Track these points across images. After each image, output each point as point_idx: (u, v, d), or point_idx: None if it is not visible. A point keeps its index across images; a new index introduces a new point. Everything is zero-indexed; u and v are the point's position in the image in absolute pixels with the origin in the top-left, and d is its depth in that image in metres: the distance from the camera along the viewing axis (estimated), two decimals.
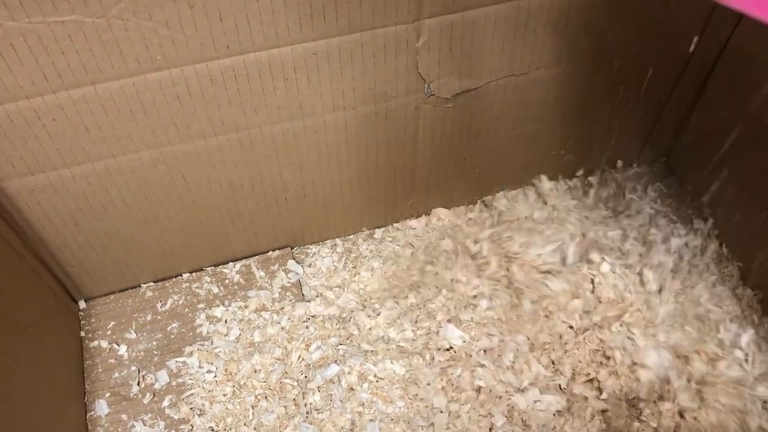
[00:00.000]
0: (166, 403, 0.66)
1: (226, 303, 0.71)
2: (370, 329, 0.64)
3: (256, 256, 0.75)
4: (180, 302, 0.72)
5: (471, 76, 0.60)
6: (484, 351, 0.60)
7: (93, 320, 0.71)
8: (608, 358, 0.59)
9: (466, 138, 0.67)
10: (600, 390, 0.58)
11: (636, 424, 0.58)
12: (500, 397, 0.57)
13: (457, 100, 0.62)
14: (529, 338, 0.60)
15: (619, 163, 0.81)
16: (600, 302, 0.63)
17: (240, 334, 0.69)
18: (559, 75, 0.64)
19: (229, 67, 0.53)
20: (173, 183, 0.61)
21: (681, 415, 0.57)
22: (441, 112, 0.63)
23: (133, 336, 0.70)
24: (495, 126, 0.67)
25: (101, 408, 0.66)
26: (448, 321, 0.62)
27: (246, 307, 0.71)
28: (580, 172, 0.79)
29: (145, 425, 0.64)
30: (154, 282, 0.73)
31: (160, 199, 0.63)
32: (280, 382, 0.64)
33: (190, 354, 0.68)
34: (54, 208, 0.60)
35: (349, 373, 0.61)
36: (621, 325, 0.61)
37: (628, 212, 0.76)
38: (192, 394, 0.65)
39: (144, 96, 0.53)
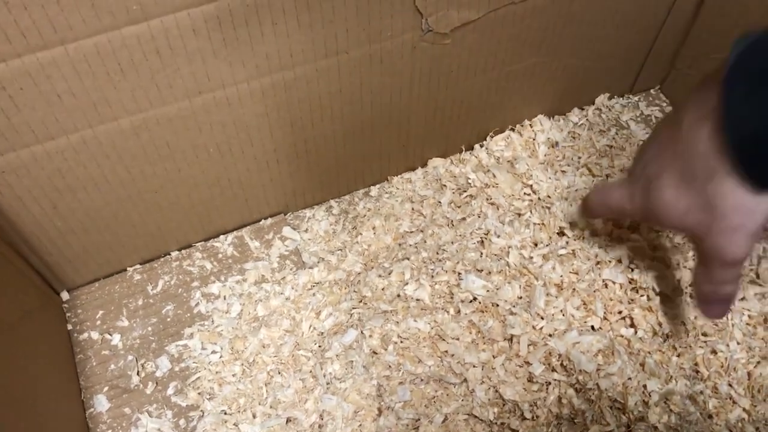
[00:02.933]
0: (171, 390, 0.61)
1: (222, 278, 0.67)
2: (383, 289, 0.60)
3: (249, 226, 0.70)
4: (172, 282, 0.67)
5: (470, 6, 0.56)
6: (512, 298, 0.57)
7: (79, 311, 0.65)
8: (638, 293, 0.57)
9: (463, 78, 0.63)
10: (635, 327, 0.56)
11: (675, 359, 0.55)
12: (536, 344, 0.54)
13: (455, 35, 0.58)
14: (554, 281, 0.57)
15: (615, 92, 0.78)
16: None
17: (242, 310, 0.64)
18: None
19: (213, 14, 0.48)
20: (157, 152, 0.56)
21: None
22: (438, 50, 0.59)
23: (126, 323, 0.65)
24: (493, 62, 0.63)
25: (101, 404, 0.61)
26: (467, 272, 0.58)
27: (244, 280, 0.66)
28: (575, 107, 0.76)
29: (151, 417, 0.60)
30: (141, 264, 0.68)
31: (144, 171, 0.57)
32: (293, 355, 0.60)
33: (191, 336, 0.63)
34: (28, 190, 0.54)
35: (370, 336, 0.57)
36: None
37: (628, 144, 0.73)
38: (198, 378, 0.61)
39: (121, 54, 0.47)
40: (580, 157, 0.71)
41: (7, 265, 0.57)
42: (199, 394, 0.60)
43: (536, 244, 0.61)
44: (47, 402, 0.56)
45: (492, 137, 0.73)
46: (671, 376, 0.55)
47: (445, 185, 0.71)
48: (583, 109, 0.77)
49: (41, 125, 0.49)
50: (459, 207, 0.68)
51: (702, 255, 0.42)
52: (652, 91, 0.79)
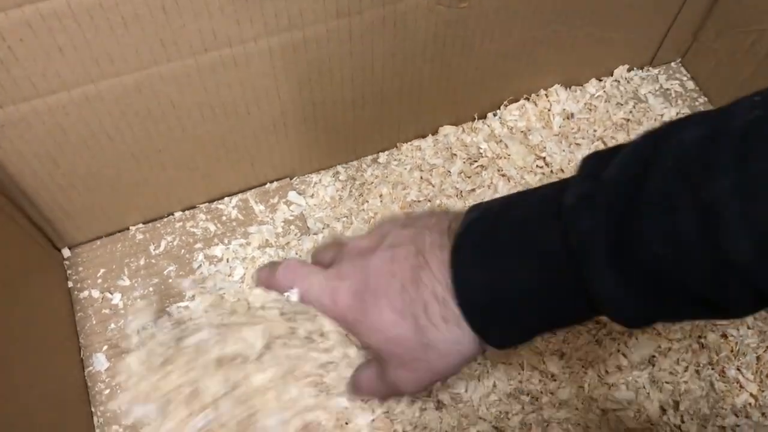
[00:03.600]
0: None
1: (226, 241, 0.66)
2: None
3: (254, 189, 0.69)
4: (175, 243, 0.66)
5: None
6: None
7: (80, 269, 0.65)
8: None
9: (479, 44, 0.61)
10: None
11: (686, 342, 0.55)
12: None
13: None
14: None
15: (634, 64, 0.75)
16: None
17: (245, 273, 0.63)
18: None
19: None
20: (161, 111, 0.55)
21: None
22: (455, 14, 0.57)
23: (127, 283, 0.64)
24: (511, 29, 0.61)
25: (100, 362, 0.60)
26: None
27: (248, 244, 0.65)
28: (592, 78, 0.74)
29: None
30: (143, 223, 0.67)
31: (147, 129, 0.56)
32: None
33: (192, 298, 0.62)
34: (29, 145, 0.53)
35: None
36: None
37: (645, 118, 0.71)
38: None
39: (125, 8, 0.46)
40: (595, 130, 0.69)
41: (9, 221, 0.56)
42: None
43: None
44: (46, 359, 0.56)
45: (506, 106, 0.71)
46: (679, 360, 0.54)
47: (455, 154, 0.69)
48: (600, 81, 0.74)
49: (42, 78, 0.48)
50: (469, 177, 0.67)
51: (385, 375, 0.41)
52: (672, 64, 0.77)
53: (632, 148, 0.32)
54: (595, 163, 0.34)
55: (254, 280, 0.48)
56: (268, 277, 0.45)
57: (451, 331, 0.37)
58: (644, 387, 0.55)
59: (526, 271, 0.34)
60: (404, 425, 0.54)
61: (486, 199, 0.62)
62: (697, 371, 0.56)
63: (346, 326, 0.42)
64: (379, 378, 0.42)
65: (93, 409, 0.58)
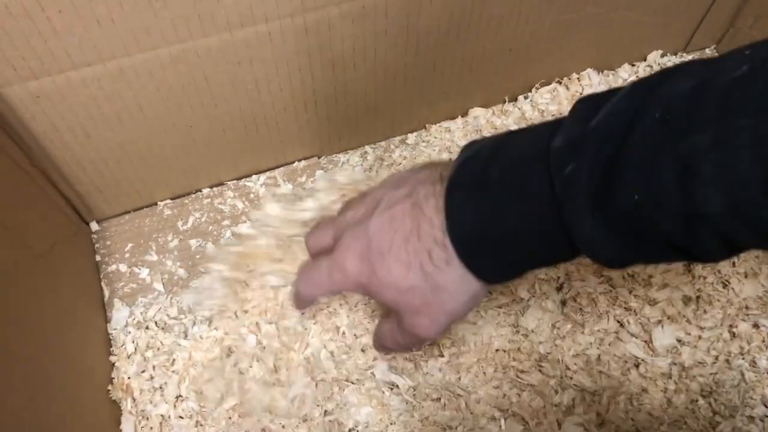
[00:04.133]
0: (197, 328, 0.61)
1: (253, 218, 0.65)
2: None
3: (282, 168, 0.68)
4: (203, 220, 0.66)
5: None
6: None
7: (108, 243, 0.65)
8: None
9: (514, 25, 0.61)
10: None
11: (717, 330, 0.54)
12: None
13: None
14: None
15: (668, 49, 0.74)
16: None
17: None
18: None
19: None
20: (194, 85, 0.54)
21: None
22: None
23: (155, 258, 0.64)
24: (547, 9, 0.60)
25: (125, 335, 0.60)
26: None
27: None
28: (625, 63, 0.73)
29: None
30: (171, 199, 0.67)
31: (180, 104, 0.56)
32: None
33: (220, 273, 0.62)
34: (62, 117, 0.53)
35: None
36: None
37: None
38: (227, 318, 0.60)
39: None
40: None
41: (40, 193, 0.57)
42: (225, 333, 0.59)
43: None
44: (73, 332, 0.56)
45: (537, 89, 0.71)
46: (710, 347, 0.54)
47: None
48: (633, 65, 0.73)
49: (78, 51, 0.48)
50: None
51: (403, 326, 0.44)
52: (707, 50, 0.76)
53: (624, 95, 0.32)
54: (587, 106, 0.35)
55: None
56: (297, 301, 0.52)
57: (454, 272, 0.39)
58: (672, 375, 0.55)
59: (513, 210, 0.36)
60: None
61: None
62: (727, 361, 0.55)
63: (362, 290, 0.44)
64: (399, 329, 0.44)
65: (114, 381, 0.58)
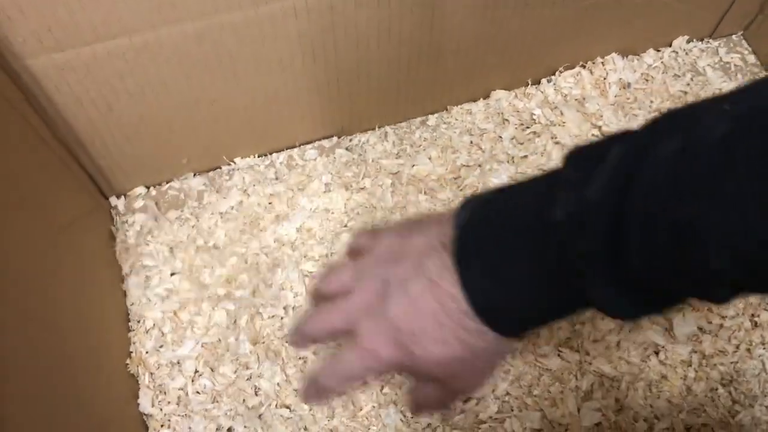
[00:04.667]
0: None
1: None
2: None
3: (302, 146, 0.68)
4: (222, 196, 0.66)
5: None
6: None
7: (128, 218, 0.65)
8: None
9: (540, 7, 0.60)
10: None
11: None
12: None
13: None
14: None
15: (694, 35, 0.73)
16: None
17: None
18: None
19: None
20: (218, 61, 0.54)
21: None
22: None
23: (174, 234, 0.64)
24: None
25: (144, 310, 0.61)
26: None
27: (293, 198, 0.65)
28: (650, 48, 0.72)
29: None
30: (192, 175, 0.67)
31: (203, 79, 0.56)
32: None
33: None
34: (86, 90, 0.52)
35: None
36: None
37: (703, 91, 0.70)
38: None
39: None
40: (652, 102, 0.68)
41: (62, 167, 0.57)
42: (237, 305, 0.59)
43: None
44: (92, 306, 0.56)
45: (561, 73, 0.70)
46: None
47: (507, 120, 0.68)
48: (659, 51, 0.72)
49: (104, 23, 0.47)
50: (521, 144, 0.66)
51: (446, 388, 0.44)
52: (734, 37, 0.75)
53: (614, 162, 0.33)
54: (577, 166, 0.35)
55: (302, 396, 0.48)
56: (315, 395, 0.46)
57: (488, 337, 0.39)
58: (692, 363, 0.55)
59: (527, 281, 0.37)
60: None
61: (540, 166, 0.61)
62: (748, 350, 0.55)
63: (398, 372, 0.45)
64: (442, 393, 0.44)
65: (133, 351, 0.58)
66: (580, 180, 0.34)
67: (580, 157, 0.36)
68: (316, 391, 0.47)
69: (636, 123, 0.65)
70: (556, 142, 0.64)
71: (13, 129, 0.50)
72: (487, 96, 0.70)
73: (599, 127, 0.65)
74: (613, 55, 0.71)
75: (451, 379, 0.43)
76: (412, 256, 0.41)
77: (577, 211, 0.33)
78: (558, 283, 0.36)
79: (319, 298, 0.46)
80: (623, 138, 0.34)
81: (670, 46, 0.73)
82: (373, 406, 0.54)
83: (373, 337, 0.42)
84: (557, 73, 0.70)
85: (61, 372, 0.47)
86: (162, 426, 0.55)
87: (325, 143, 0.68)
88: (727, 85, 0.70)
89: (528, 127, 0.66)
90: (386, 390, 0.55)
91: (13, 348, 0.41)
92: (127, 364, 0.57)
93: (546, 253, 0.36)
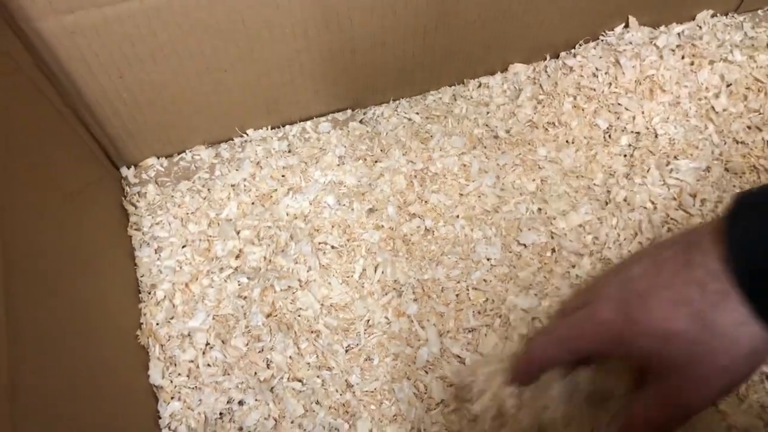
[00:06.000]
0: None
1: None
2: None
3: (315, 119, 0.67)
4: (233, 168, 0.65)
5: None
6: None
7: (138, 189, 0.64)
8: None
9: None
10: None
11: None
12: None
13: None
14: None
15: (718, 9, 0.71)
16: None
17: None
18: None
19: None
20: (231, 28, 0.53)
21: None
22: None
23: (185, 205, 0.63)
24: None
25: (153, 279, 0.60)
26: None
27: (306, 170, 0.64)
28: (673, 22, 0.70)
29: None
30: (203, 146, 0.66)
31: (216, 47, 0.54)
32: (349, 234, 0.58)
33: None
34: (96, 55, 0.51)
35: None
36: None
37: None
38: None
39: None
40: (671, 77, 0.66)
41: (72, 134, 0.56)
42: (250, 278, 0.58)
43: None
44: (102, 276, 0.55)
45: (581, 46, 0.68)
46: None
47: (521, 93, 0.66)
48: (681, 24, 0.70)
49: None
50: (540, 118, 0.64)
51: (662, 394, 0.35)
52: (759, 12, 0.73)
53: None
54: None
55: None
56: (522, 368, 0.41)
57: (733, 312, 0.31)
58: None
59: None
60: None
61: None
62: None
63: (613, 347, 0.36)
64: (655, 402, 0.35)
65: (144, 322, 0.57)
66: None
67: None
68: (524, 361, 0.41)
69: (654, 101, 0.64)
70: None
71: (24, 94, 0.49)
72: (505, 69, 0.69)
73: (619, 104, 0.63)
74: (634, 28, 0.69)
75: (669, 371, 0.34)
76: (676, 241, 0.36)
77: None
78: None
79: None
80: None
81: (694, 20, 0.71)
82: (386, 380, 0.54)
83: (600, 298, 0.36)
84: (577, 46, 0.68)
85: (72, 339, 0.46)
86: (172, 398, 0.55)
87: (339, 116, 0.67)
88: (750, 62, 0.68)
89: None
90: (398, 364, 0.54)
91: (25, 313, 0.40)
92: (137, 335, 0.57)
93: None
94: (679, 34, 0.69)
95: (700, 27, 0.71)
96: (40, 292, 0.44)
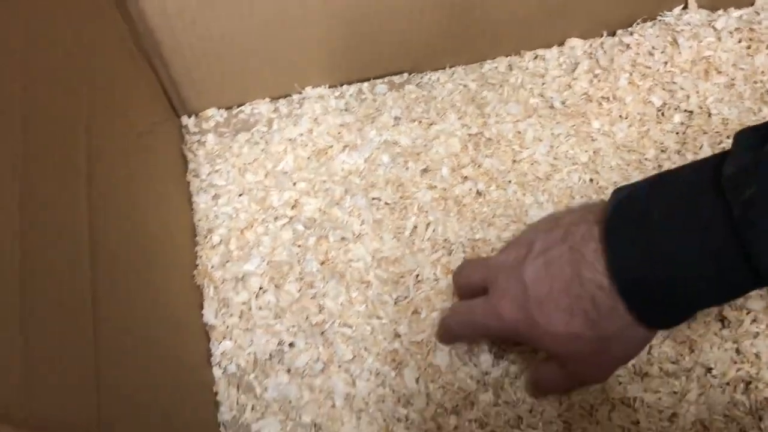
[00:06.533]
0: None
1: None
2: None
3: (374, 80, 0.68)
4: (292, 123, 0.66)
5: None
6: None
7: (197, 137, 0.66)
8: None
9: None
10: None
11: None
12: None
13: None
14: None
15: None
16: None
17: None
18: None
19: None
20: None
21: None
22: None
23: (241, 157, 0.64)
24: None
25: (208, 228, 0.61)
26: None
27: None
28: (731, 7, 0.71)
29: None
30: (265, 101, 0.67)
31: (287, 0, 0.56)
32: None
33: None
34: (173, 0, 0.53)
35: None
36: None
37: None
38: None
39: None
40: (728, 58, 0.67)
41: (140, 76, 0.57)
42: (305, 227, 0.60)
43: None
44: (163, 217, 0.57)
45: (638, 24, 0.69)
46: None
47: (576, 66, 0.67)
48: (740, 9, 0.71)
49: None
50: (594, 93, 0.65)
51: (567, 372, 0.43)
52: None
53: None
54: (750, 136, 0.34)
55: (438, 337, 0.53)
56: (445, 336, 0.51)
57: (621, 319, 0.37)
58: None
59: (684, 247, 0.34)
60: None
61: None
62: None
63: (518, 338, 0.44)
64: (561, 376, 0.43)
65: (199, 264, 0.59)
66: (753, 142, 0.32)
67: (752, 130, 0.34)
68: (444, 331, 0.50)
69: (709, 82, 0.64)
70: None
71: (102, 32, 0.50)
72: (561, 43, 0.70)
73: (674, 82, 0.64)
74: (692, 9, 0.69)
75: (571, 360, 0.41)
76: (564, 225, 0.41)
77: (751, 160, 0.31)
78: (718, 247, 0.33)
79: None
80: None
81: (753, 5, 0.71)
82: (432, 333, 0.55)
83: (501, 297, 0.42)
84: (635, 24, 0.69)
85: (138, 266, 0.48)
86: (224, 338, 0.56)
87: (396, 78, 0.68)
88: None
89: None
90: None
91: (99, 242, 0.41)
92: (194, 275, 0.58)
93: (707, 212, 0.33)
94: (737, 17, 0.70)
95: (758, 13, 0.71)
96: (112, 224, 0.45)
